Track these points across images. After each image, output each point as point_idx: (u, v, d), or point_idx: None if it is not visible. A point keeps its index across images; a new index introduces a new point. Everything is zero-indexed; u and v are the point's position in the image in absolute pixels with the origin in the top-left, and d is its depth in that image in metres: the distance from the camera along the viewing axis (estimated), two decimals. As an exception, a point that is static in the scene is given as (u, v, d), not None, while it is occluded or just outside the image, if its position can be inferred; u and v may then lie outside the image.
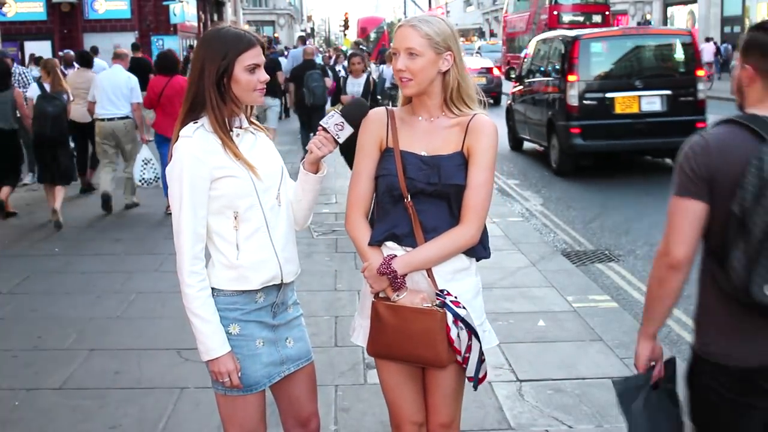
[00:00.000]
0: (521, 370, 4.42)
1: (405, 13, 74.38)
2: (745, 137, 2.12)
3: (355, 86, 9.69)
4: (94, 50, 16.91)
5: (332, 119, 2.43)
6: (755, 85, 2.20)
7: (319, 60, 16.03)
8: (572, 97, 10.85)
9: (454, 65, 2.45)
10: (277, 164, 2.53)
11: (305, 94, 12.06)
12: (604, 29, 18.32)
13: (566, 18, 29.16)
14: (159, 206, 8.96)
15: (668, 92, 10.74)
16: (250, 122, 2.53)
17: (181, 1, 28.54)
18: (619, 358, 4.57)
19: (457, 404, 2.60)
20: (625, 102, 10.75)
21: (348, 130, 2.44)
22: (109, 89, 8.88)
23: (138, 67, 13.27)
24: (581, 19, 29.46)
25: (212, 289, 2.43)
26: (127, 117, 8.93)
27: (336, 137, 2.43)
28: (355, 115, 2.46)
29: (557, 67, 11.64)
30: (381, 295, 2.47)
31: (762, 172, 2.04)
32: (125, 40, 20.34)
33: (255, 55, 2.38)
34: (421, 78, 2.43)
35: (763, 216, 2.03)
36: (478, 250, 2.51)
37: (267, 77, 2.46)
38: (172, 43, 25.90)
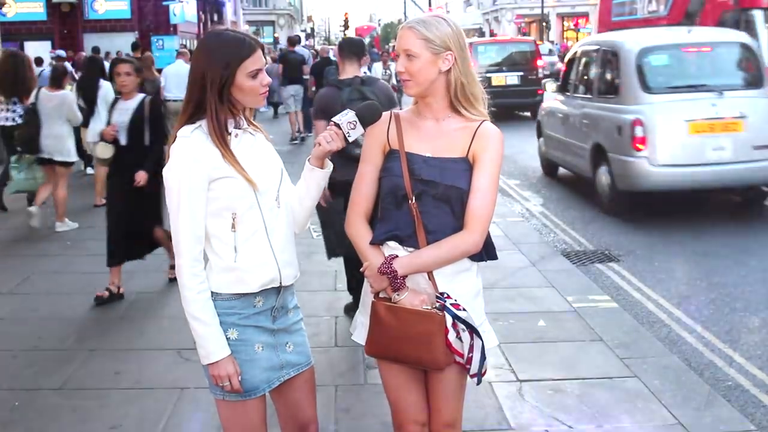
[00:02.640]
0: (521, 370, 4.42)
1: (405, 13, 74.34)
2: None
3: (122, 114, 5.74)
4: (96, 50, 16.91)
5: (346, 117, 2.42)
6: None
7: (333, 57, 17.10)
8: None
9: (456, 65, 2.45)
10: (276, 165, 2.51)
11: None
12: (484, 39, 29.71)
13: None
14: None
15: (521, 73, 19.30)
16: (249, 123, 2.50)
17: (181, 1, 28.53)
18: (619, 358, 4.57)
19: (459, 403, 2.60)
20: (498, 78, 18.85)
21: (359, 130, 2.43)
22: (174, 78, 12.12)
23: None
24: None
25: (211, 293, 2.40)
26: None
27: (347, 135, 2.41)
28: (368, 117, 2.46)
29: None
30: (381, 295, 2.47)
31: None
32: (125, 41, 20.35)
33: (256, 60, 2.36)
34: (420, 79, 2.44)
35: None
36: (479, 253, 2.51)
37: (269, 80, 2.44)
38: (172, 44, 25.92)
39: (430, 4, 52.72)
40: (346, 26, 59.66)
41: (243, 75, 2.34)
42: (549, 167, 11.45)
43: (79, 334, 5.14)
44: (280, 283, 2.46)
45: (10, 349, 4.94)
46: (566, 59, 11.11)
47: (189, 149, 2.34)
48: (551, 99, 11.83)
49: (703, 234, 7.82)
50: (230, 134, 2.40)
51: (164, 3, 27.56)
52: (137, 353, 4.80)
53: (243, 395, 2.45)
